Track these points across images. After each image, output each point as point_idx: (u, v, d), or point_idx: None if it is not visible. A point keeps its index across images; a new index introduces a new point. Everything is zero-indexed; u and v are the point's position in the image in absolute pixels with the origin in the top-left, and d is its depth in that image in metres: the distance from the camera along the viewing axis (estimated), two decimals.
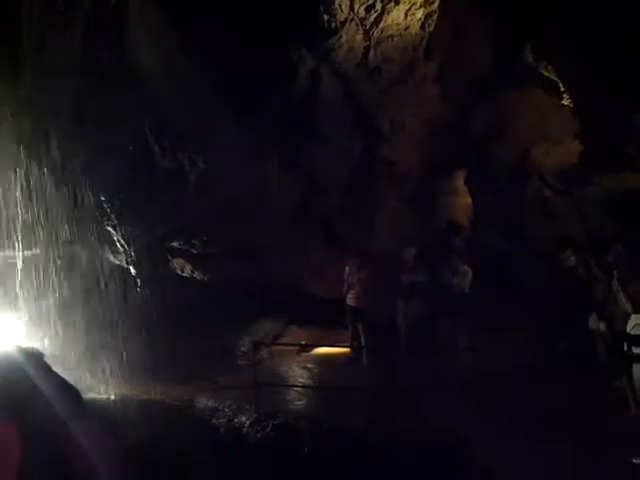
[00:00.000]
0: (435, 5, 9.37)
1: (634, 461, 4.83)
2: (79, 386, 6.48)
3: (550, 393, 6.24)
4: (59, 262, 9.02)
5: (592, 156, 9.14)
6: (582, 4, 9.07)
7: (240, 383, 7.58)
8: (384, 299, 9.04)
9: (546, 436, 5.16)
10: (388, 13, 9.11)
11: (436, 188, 11.10)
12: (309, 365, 8.71)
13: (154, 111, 8.60)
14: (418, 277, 9.23)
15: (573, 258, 7.62)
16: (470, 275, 9.07)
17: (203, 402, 7.20)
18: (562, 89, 9.46)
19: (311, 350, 9.35)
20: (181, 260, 9.32)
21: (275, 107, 9.10)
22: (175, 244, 9.17)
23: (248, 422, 6.54)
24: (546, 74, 9.77)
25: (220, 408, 6.93)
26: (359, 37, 9.31)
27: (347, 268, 8.86)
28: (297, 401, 7.19)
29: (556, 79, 9.55)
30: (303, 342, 9.20)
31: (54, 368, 6.24)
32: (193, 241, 9.09)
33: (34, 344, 7.40)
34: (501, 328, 8.32)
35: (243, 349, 9.07)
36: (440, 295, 9.11)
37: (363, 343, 8.54)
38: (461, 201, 11.05)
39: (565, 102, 9.55)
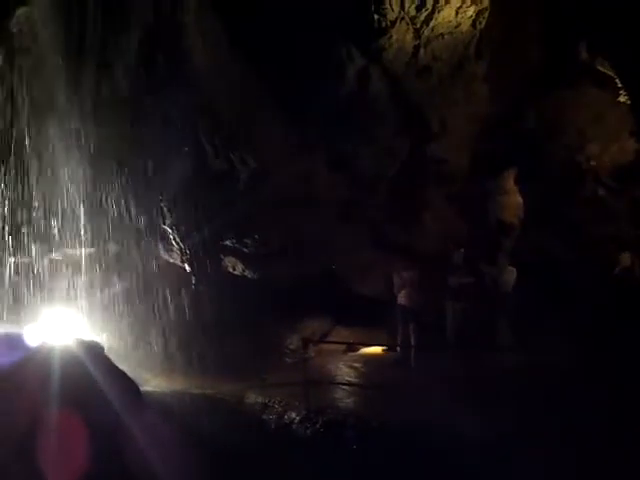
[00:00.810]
0: (486, 2, 9.25)
1: None
2: (136, 379, 6.78)
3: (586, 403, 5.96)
4: (114, 259, 9.39)
5: None
6: None
7: (288, 380, 7.70)
8: (433, 299, 9.01)
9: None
10: (439, 11, 9.05)
11: (486, 188, 10.95)
12: (356, 364, 8.76)
13: (206, 112, 8.84)
14: (467, 278, 9.17)
15: (629, 260, 7.40)
16: (515, 275, 8.99)
17: (253, 398, 7.35)
18: (619, 85, 9.17)
19: (358, 349, 9.40)
20: (233, 259, 9.53)
21: (323, 106, 9.19)
22: (227, 243, 9.38)
23: (298, 418, 6.65)
24: (602, 70, 9.50)
25: (270, 404, 7.07)
26: (409, 36, 9.28)
27: (396, 268, 8.87)
28: (345, 399, 7.26)
29: (613, 75, 9.26)
30: (351, 341, 9.25)
31: (113, 361, 6.55)
32: (245, 240, 9.28)
33: (95, 338, 7.74)
34: (549, 329, 8.17)
35: (291, 347, 9.20)
36: (488, 295, 9.02)
37: (413, 343, 8.53)
38: (512, 201, 10.85)
39: (622, 99, 9.26)
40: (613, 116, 9.91)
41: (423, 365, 8.12)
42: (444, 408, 6.18)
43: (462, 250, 9.52)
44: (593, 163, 10.01)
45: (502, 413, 5.84)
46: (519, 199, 10.70)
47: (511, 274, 9.24)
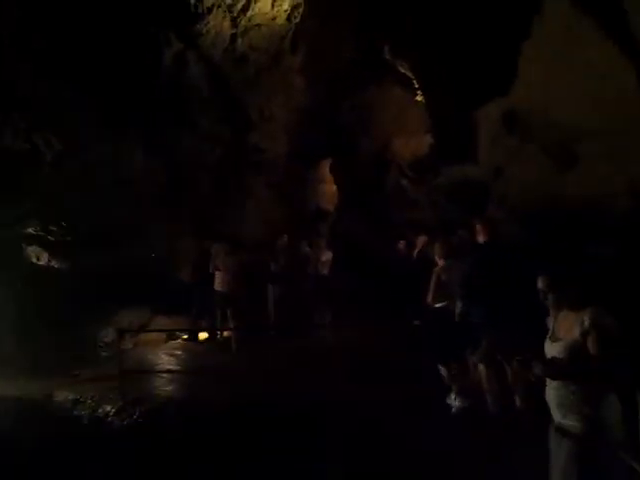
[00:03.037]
0: None
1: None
2: None
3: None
4: None
5: (441, 148, 10.02)
6: (434, 6, 9.89)
7: (104, 374, 7.38)
8: (254, 285, 9.25)
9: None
10: (255, 2, 9.22)
11: (304, 176, 11.50)
12: (177, 352, 8.65)
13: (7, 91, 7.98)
14: (288, 263, 9.57)
15: (424, 242, 8.29)
16: (331, 257, 9.60)
17: (63, 396, 6.92)
18: (416, 86, 10.23)
19: (179, 338, 9.29)
20: (37, 248, 8.77)
21: (140, 89, 8.86)
22: (30, 230, 8.60)
23: (113, 411, 6.42)
24: (402, 71, 10.50)
25: (82, 400, 6.71)
26: (227, 24, 9.33)
27: (214, 254, 8.92)
28: (165, 387, 7.15)
29: (411, 76, 10.29)
30: (169, 329, 9.10)
31: None
32: (50, 227, 8.58)
33: None
34: (361, 306, 8.90)
35: (106, 340, 8.78)
36: (308, 279, 9.52)
37: (232, 326, 8.68)
38: (328, 189, 11.56)
39: (419, 98, 10.33)
40: (413, 113, 11.03)
41: (244, 349, 8.31)
42: (261, 389, 6.41)
43: (286, 236, 9.88)
44: (397, 155, 11.05)
45: (315, 388, 6.19)
46: (334, 187, 11.45)
47: (327, 256, 9.84)
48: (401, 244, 9.19)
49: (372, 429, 5.04)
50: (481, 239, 4.89)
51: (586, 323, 2.40)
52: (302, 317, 9.44)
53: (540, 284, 2.59)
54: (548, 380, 2.48)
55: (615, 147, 7.45)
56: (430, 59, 9.59)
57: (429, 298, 5.25)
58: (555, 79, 8.18)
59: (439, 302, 5.20)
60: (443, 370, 5.21)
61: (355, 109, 11.42)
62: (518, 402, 4.56)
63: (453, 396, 5.14)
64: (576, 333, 2.42)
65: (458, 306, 4.94)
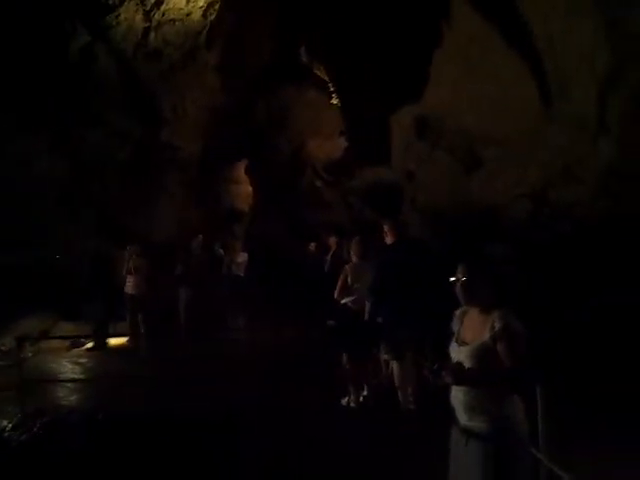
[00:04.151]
0: None
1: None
2: None
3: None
4: None
5: (355, 151, 10.23)
6: (349, 13, 10.08)
7: (1, 384, 6.85)
8: (165, 287, 8.96)
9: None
10: None
11: (219, 176, 11.32)
12: (82, 360, 8.20)
13: None
14: (201, 264, 9.34)
15: (335, 243, 8.37)
16: (246, 259, 9.50)
17: None
18: (331, 89, 10.38)
19: (84, 344, 8.80)
20: None
21: (47, 83, 8.37)
22: None
23: (10, 425, 5.97)
24: (318, 74, 10.61)
25: None
26: (139, 17, 9.03)
27: (127, 256, 8.55)
28: (69, 397, 6.75)
29: (326, 79, 10.43)
30: (74, 335, 8.60)
31: None
32: None
33: None
34: (277, 308, 8.87)
35: (3, 348, 8.16)
36: (222, 281, 9.36)
37: (142, 332, 8.36)
38: (243, 189, 11.44)
39: (334, 101, 10.49)
40: (329, 116, 11.19)
41: (154, 354, 8.02)
42: (173, 394, 6.22)
43: (200, 237, 9.63)
44: (311, 157, 11.14)
45: (228, 392, 6.09)
46: (249, 188, 11.36)
47: (243, 258, 9.73)
48: (315, 245, 9.26)
49: (287, 431, 5.03)
50: (389, 240, 5.02)
51: (497, 326, 2.36)
52: (215, 320, 9.26)
53: (458, 273, 2.50)
54: None
55: (518, 153, 7.93)
56: (345, 64, 9.76)
57: (336, 294, 5.35)
58: (463, 87, 8.60)
59: (346, 298, 5.30)
60: (355, 369, 5.29)
61: (271, 110, 11.38)
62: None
63: (365, 393, 5.25)
64: (485, 336, 2.39)
65: (367, 305, 5.05)
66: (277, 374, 6.46)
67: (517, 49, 7.79)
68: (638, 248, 5.75)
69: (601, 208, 6.38)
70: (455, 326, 2.62)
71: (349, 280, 5.32)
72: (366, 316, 5.03)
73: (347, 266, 5.42)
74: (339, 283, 5.37)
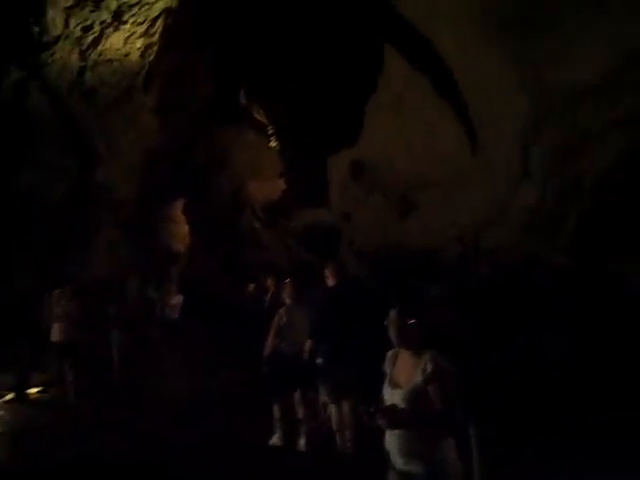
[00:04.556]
0: (156, 37, 9.56)
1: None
2: None
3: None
4: None
5: (294, 193, 10.38)
6: (290, 57, 10.38)
7: None
8: (97, 330, 8.61)
9: None
10: (107, 37, 8.97)
11: (156, 215, 11.16)
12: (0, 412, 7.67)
13: None
14: (135, 306, 9.09)
15: (273, 284, 8.36)
16: (182, 300, 9.33)
17: None
18: (270, 132, 10.57)
19: (3, 396, 8.21)
20: None
21: None
22: None
23: None
24: (257, 117, 10.80)
25: None
26: (75, 56, 8.94)
27: (54, 301, 8.15)
28: None
29: (265, 122, 10.63)
30: None
31: None
32: None
33: None
34: (214, 351, 8.72)
35: None
36: (155, 323, 9.12)
37: (71, 379, 7.92)
38: (180, 229, 11.31)
39: (273, 144, 10.67)
40: (268, 157, 11.35)
41: (84, 400, 7.64)
42: (104, 442, 5.95)
43: (137, 279, 9.41)
44: (250, 198, 11.21)
45: (161, 437, 5.90)
46: (187, 228, 11.24)
47: (177, 300, 9.52)
48: (254, 287, 9.22)
49: (222, 472, 4.92)
50: (331, 282, 5.09)
51: (428, 369, 2.39)
52: (150, 364, 8.96)
53: (390, 317, 2.54)
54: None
55: (448, 197, 8.31)
56: (284, 107, 9.99)
57: (269, 337, 5.34)
58: (396, 134, 8.98)
59: (281, 343, 5.29)
60: (288, 411, 5.26)
61: (211, 151, 11.42)
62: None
63: (302, 439, 5.19)
64: (418, 379, 2.41)
65: (307, 346, 5.05)
66: (213, 416, 6.34)
67: (446, 99, 8.25)
68: (559, 287, 6.10)
69: (523, 250, 6.75)
70: (387, 368, 2.64)
71: (282, 323, 5.32)
72: (305, 357, 5.04)
73: (280, 309, 5.44)
74: (272, 326, 5.37)
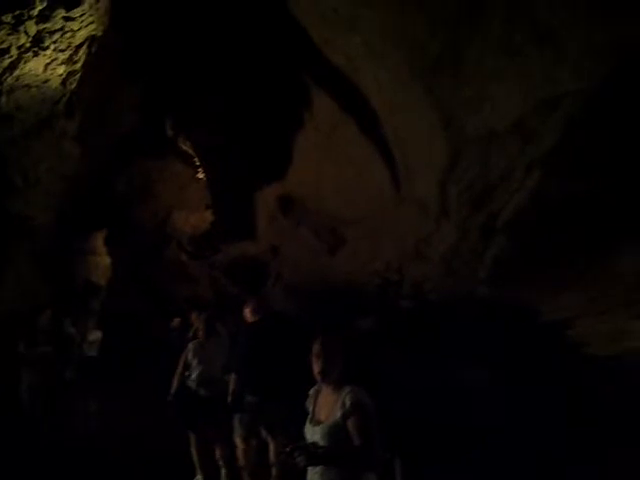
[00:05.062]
0: (79, 65, 9.30)
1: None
2: None
3: None
4: None
5: (221, 225, 10.27)
6: (216, 90, 10.38)
7: None
8: (4, 370, 8.04)
9: None
10: (25, 62, 8.60)
11: (74, 247, 10.68)
12: None
13: None
14: (48, 343, 8.56)
15: (201, 317, 8.19)
16: (101, 336, 8.92)
17: None
18: (197, 163, 10.47)
19: None
20: None
21: None
22: None
23: None
24: (184, 148, 10.68)
25: None
26: None
27: None
28: None
29: (192, 154, 10.52)
30: None
31: None
32: None
33: None
34: (134, 389, 8.35)
35: None
36: (70, 361, 8.61)
37: None
38: (100, 261, 10.87)
39: (200, 175, 10.56)
40: (194, 189, 11.20)
41: None
42: None
43: (49, 312, 8.86)
44: (177, 230, 10.98)
45: None
46: (108, 260, 10.81)
47: (96, 336, 9.10)
48: (180, 321, 8.96)
49: None
50: (254, 317, 5.01)
51: (347, 404, 2.38)
52: (63, 405, 8.43)
53: (313, 350, 2.53)
54: None
55: (374, 233, 8.49)
56: (211, 139, 9.95)
57: (177, 372, 5.29)
58: (323, 170, 9.15)
59: (187, 379, 5.25)
60: (201, 449, 5.16)
61: (134, 181, 11.14)
62: None
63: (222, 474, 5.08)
64: (337, 415, 2.39)
65: (231, 381, 4.94)
66: (129, 460, 6.08)
67: (370, 137, 8.51)
68: (480, 324, 6.31)
69: (445, 286, 6.97)
70: (310, 406, 2.63)
71: (189, 358, 5.32)
72: (230, 392, 4.91)
73: (189, 344, 5.43)
74: (180, 361, 5.36)
